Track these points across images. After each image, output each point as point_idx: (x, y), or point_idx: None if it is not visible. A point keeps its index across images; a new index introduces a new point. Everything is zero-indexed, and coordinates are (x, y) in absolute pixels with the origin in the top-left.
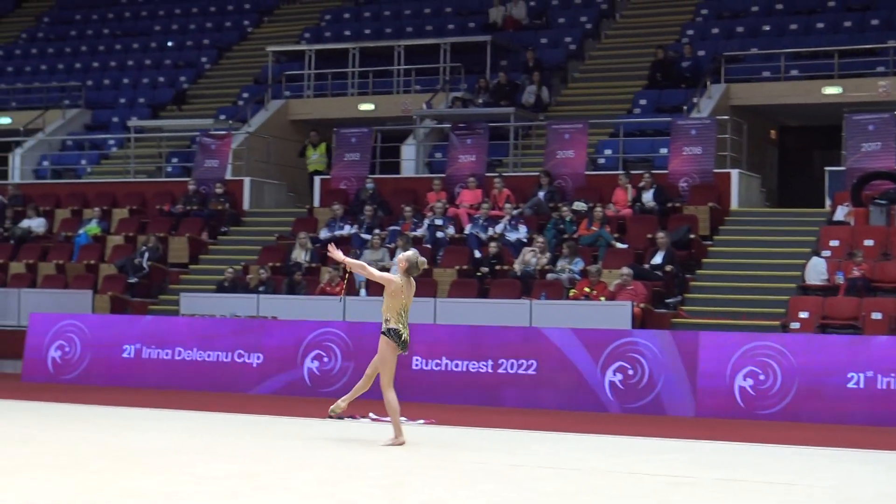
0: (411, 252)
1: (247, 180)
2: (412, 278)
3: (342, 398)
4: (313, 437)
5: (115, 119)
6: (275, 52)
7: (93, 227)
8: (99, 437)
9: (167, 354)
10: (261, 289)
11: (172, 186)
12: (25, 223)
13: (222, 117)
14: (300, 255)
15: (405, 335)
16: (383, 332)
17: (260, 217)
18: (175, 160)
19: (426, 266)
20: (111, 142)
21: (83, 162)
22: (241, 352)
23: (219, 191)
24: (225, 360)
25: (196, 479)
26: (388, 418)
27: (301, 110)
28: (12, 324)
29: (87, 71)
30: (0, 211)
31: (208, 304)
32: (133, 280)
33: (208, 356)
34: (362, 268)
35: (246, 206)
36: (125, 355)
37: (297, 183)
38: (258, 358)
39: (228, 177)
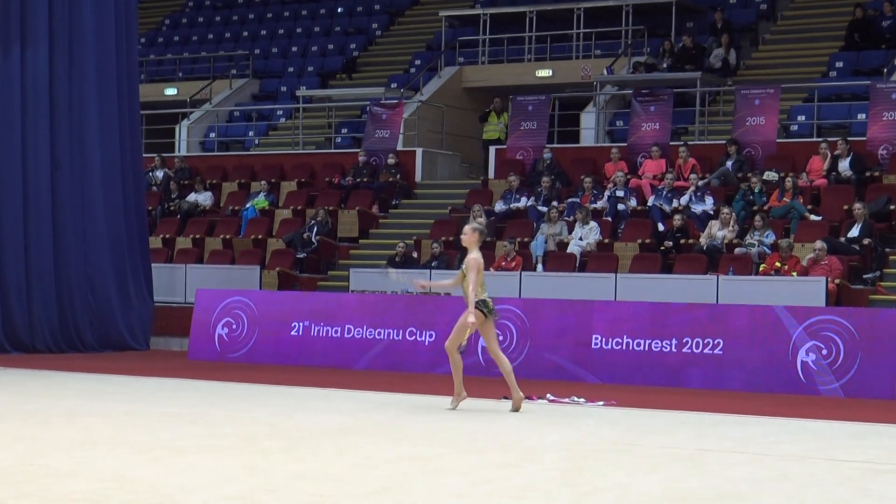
0: (472, 225)
1: (419, 151)
2: None
3: (512, 389)
4: (488, 418)
5: (284, 89)
6: (448, 17)
7: (260, 201)
8: (267, 417)
9: (336, 332)
10: (433, 264)
11: (342, 158)
12: (192, 197)
13: (393, 86)
14: None
15: (490, 303)
16: (477, 306)
17: (432, 189)
18: (345, 131)
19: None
20: (279, 112)
21: (250, 133)
22: (413, 329)
23: (390, 162)
24: (396, 338)
25: (366, 461)
26: (566, 399)
27: (475, 77)
28: (179, 300)
29: (254, 39)
30: (166, 185)
31: (379, 280)
32: (301, 255)
33: (379, 334)
34: (459, 286)
35: (418, 177)
36: (293, 333)
37: (471, 153)
38: (430, 336)
39: (400, 147)
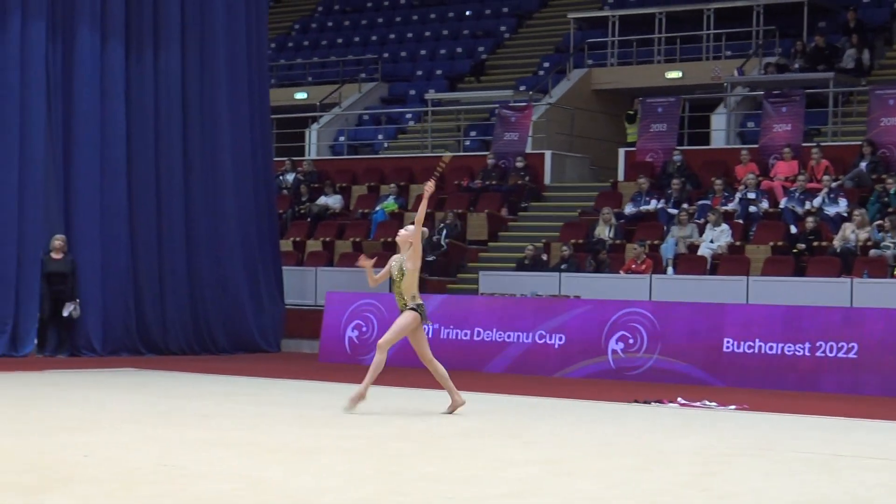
0: (414, 226)
1: (548, 154)
2: None
3: (450, 392)
4: (619, 422)
5: (412, 92)
6: (576, 20)
7: (390, 204)
8: (397, 419)
9: (466, 335)
10: (563, 267)
11: (471, 161)
12: (322, 200)
13: (522, 88)
14: (604, 232)
15: (424, 307)
16: (411, 309)
17: (561, 192)
18: (473, 133)
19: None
20: (408, 115)
21: (380, 136)
22: (543, 332)
23: (519, 165)
24: (525, 341)
25: (496, 464)
26: (697, 403)
27: (604, 79)
28: (309, 303)
29: (383, 43)
30: (296, 188)
31: (508, 283)
32: (431, 258)
33: (508, 337)
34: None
35: (547, 180)
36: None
37: (601, 156)
38: (560, 339)
39: (529, 150)
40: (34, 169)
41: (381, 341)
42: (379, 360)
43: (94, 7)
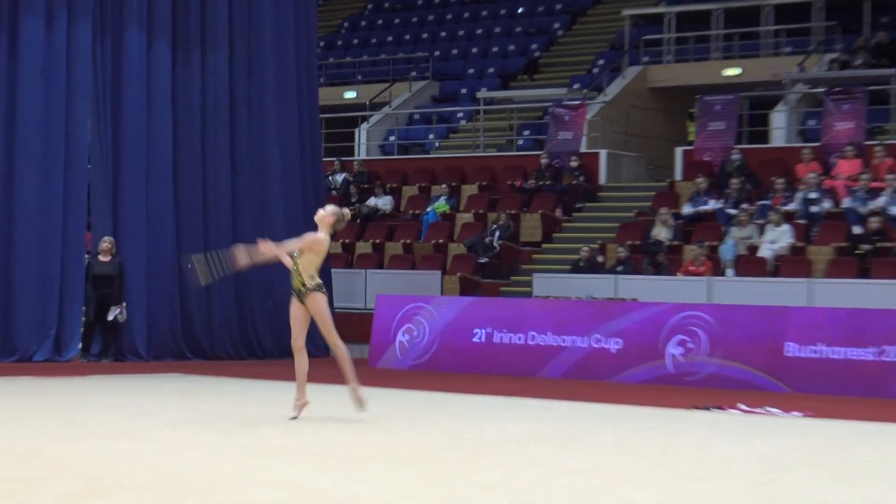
0: (333, 206)
1: (603, 153)
2: None
3: (297, 396)
4: (677, 428)
5: (464, 90)
6: (631, 16)
7: (441, 205)
8: (449, 426)
9: (520, 339)
10: (619, 269)
11: (524, 160)
12: (372, 201)
13: (576, 86)
14: (661, 233)
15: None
16: (312, 290)
17: (617, 192)
18: (527, 132)
19: (350, 217)
20: (460, 114)
21: (431, 136)
22: (599, 336)
23: (573, 164)
24: (581, 345)
25: (551, 473)
26: (759, 409)
27: (661, 77)
28: (359, 306)
29: (434, 41)
30: (345, 189)
31: (563, 285)
32: (483, 260)
33: (563, 341)
34: (283, 253)
35: (602, 180)
36: (476, 340)
37: (657, 155)
38: (617, 343)
39: (583, 149)
40: (80, 170)
41: (333, 340)
42: (300, 361)
43: (140, 7)
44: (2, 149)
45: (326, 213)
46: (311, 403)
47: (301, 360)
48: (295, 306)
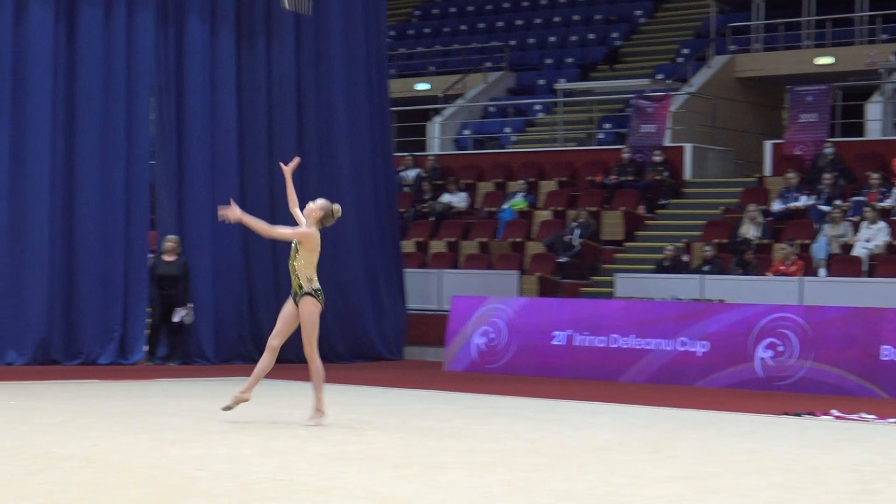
0: (323, 200)
1: (688, 147)
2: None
3: (242, 389)
4: (767, 435)
5: (542, 82)
6: (718, 2)
7: (518, 202)
8: (528, 432)
9: (601, 341)
10: (705, 268)
11: (605, 155)
12: (446, 198)
13: (659, 76)
14: (750, 231)
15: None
16: (307, 293)
17: (703, 188)
18: (608, 126)
19: (340, 214)
20: (537, 107)
21: (507, 130)
22: (685, 339)
23: (657, 159)
24: (666, 348)
25: (635, 481)
26: (853, 416)
27: (749, 66)
28: (433, 307)
29: (509, 30)
30: (418, 185)
31: (646, 286)
32: (563, 259)
33: (647, 344)
34: (266, 228)
35: (687, 175)
36: (555, 342)
37: (746, 149)
38: (703, 346)
39: (667, 143)
40: (142, 166)
41: (306, 351)
42: (316, 366)
43: None
44: (62, 145)
45: (315, 207)
46: (400, 408)
47: (268, 358)
48: (288, 306)
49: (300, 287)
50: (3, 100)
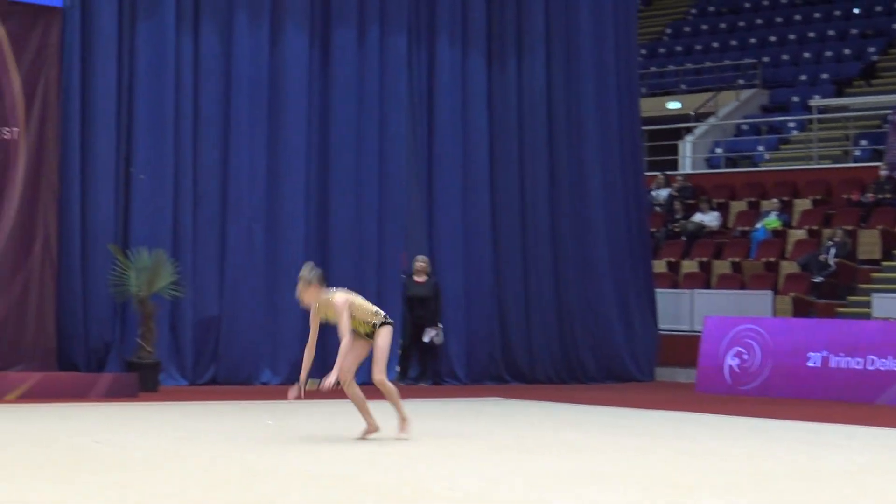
0: (303, 274)
1: None
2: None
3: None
4: None
5: (795, 98)
6: None
7: (772, 221)
8: (784, 455)
9: (858, 363)
10: None
11: (861, 172)
12: (697, 217)
13: None
14: None
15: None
16: (384, 324)
17: None
18: (864, 142)
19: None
20: (791, 124)
21: (760, 148)
22: None
23: None
24: None
25: None
26: None
27: None
28: (685, 328)
29: (762, 46)
30: (669, 204)
31: None
32: (818, 279)
33: None
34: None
35: None
36: (810, 364)
37: None
38: None
39: None
40: (395, 187)
41: (375, 378)
42: (388, 390)
43: (454, 17)
44: (316, 165)
45: (302, 289)
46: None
47: (353, 389)
48: (358, 343)
49: (373, 326)
50: (259, 121)
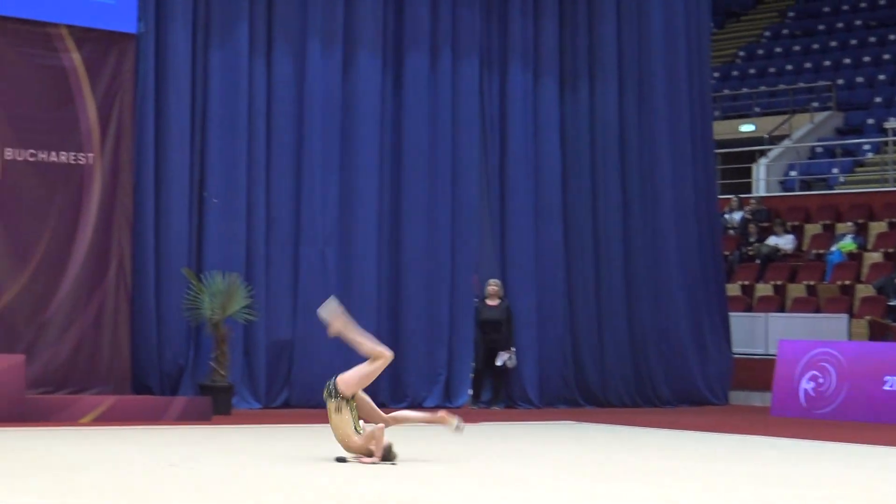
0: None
1: None
2: None
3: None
4: None
5: (870, 121)
6: None
7: (847, 244)
8: (858, 480)
9: None
10: None
11: None
12: (772, 240)
13: None
14: None
15: None
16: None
17: None
18: None
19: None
20: (866, 147)
21: (835, 170)
22: None
23: None
24: None
25: None
26: None
27: None
28: (760, 352)
29: (837, 68)
30: (743, 227)
31: None
32: (894, 302)
33: None
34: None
35: None
36: (886, 388)
37: None
38: None
39: None
40: (468, 210)
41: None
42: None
43: (526, 42)
44: (389, 190)
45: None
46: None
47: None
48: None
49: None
50: (332, 146)
